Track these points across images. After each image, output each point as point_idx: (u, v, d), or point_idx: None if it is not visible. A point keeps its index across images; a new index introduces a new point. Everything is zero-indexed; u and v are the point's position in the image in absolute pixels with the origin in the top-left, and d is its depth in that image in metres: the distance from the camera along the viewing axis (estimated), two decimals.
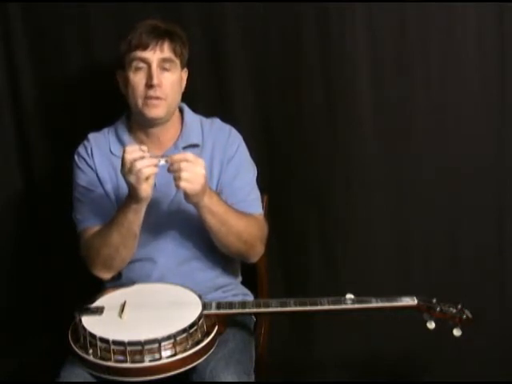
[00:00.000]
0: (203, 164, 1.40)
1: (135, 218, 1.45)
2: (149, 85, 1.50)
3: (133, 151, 1.37)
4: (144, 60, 1.51)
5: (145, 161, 1.36)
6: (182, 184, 1.37)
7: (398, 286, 1.96)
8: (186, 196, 1.41)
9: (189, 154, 1.40)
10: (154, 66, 1.50)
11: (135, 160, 1.35)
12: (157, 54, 1.51)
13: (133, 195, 1.41)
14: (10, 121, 1.96)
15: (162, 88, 1.51)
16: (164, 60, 1.52)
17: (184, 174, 1.37)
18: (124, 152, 1.38)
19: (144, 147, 1.39)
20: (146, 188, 1.38)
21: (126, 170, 1.37)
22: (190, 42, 1.61)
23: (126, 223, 1.46)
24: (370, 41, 1.84)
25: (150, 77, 1.50)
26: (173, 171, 1.38)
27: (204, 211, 1.45)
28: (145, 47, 1.50)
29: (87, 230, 1.56)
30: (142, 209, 1.45)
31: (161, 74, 1.51)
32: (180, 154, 1.44)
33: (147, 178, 1.37)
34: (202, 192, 1.41)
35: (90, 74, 1.90)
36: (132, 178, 1.37)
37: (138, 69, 1.51)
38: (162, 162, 1.39)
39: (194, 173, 1.38)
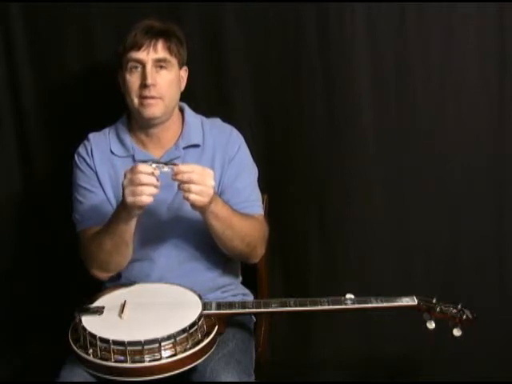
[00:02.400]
0: (212, 175, 1.38)
1: (126, 227, 1.44)
2: (143, 85, 1.50)
3: (146, 168, 1.34)
4: (138, 61, 1.51)
5: (151, 188, 1.34)
6: (192, 197, 1.35)
7: (398, 286, 1.96)
8: (194, 207, 1.40)
9: (197, 166, 1.38)
10: (149, 66, 1.50)
11: (141, 183, 1.32)
12: (151, 54, 1.50)
13: (125, 207, 1.39)
14: (10, 121, 1.96)
15: (156, 87, 1.50)
16: (159, 60, 1.51)
17: (194, 188, 1.35)
18: (135, 169, 1.34)
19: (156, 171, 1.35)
20: (141, 210, 1.39)
21: (126, 184, 1.34)
22: (188, 41, 1.60)
23: (118, 232, 1.45)
24: (370, 41, 1.84)
25: (144, 77, 1.50)
26: (180, 181, 1.36)
27: (210, 217, 1.44)
28: (139, 48, 1.50)
29: (86, 231, 1.55)
30: (133, 219, 1.43)
31: (157, 74, 1.51)
32: (187, 165, 1.39)
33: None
34: (209, 202, 1.40)
35: (90, 74, 1.89)
36: (129, 199, 1.34)
37: (133, 69, 1.52)
38: (166, 169, 1.36)
39: (204, 185, 1.36)
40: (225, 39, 1.86)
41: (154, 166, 1.36)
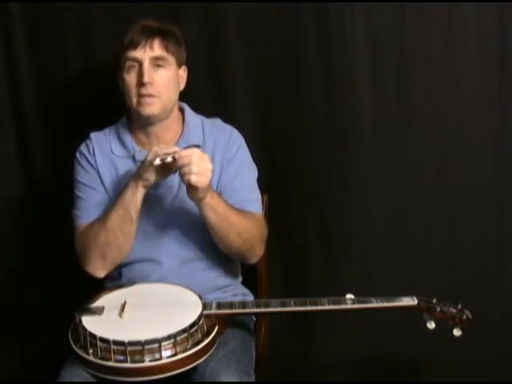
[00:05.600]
0: (208, 159, 1.42)
1: (132, 199, 1.46)
2: (140, 83, 1.50)
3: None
4: (135, 59, 1.51)
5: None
6: (193, 178, 1.38)
7: (398, 285, 1.96)
8: (193, 191, 1.41)
9: (196, 149, 1.42)
10: (146, 64, 1.50)
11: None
12: (147, 53, 1.51)
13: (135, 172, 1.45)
14: (10, 121, 1.96)
15: (153, 85, 1.51)
16: (156, 58, 1.52)
17: (194, 168, 1.37)
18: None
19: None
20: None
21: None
22: (188, 41, 1.61)
23: (124, 204, 1.47)
24: (370, 41, 1.84)
25: (140, 75, 1.50)
26: (181, 166, 1.39)
27: (206, 208, 1.45)
28: (135, 46, 1.51)
29: (83, 226, 1.56)
30: (139, 190, 1.46)
31: (154, 72, 1.51)
32: (186, 149, 1.44)
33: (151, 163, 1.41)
34: (208, 187, 1.42)
35: (90, 74, 1.90)
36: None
37: (130, 68, 1.52)
38: (169, 159, 1.39)
39: (203, 167, 1.39)
40: (225, 39, 1.86)
41: (158, 160, 1.39)
